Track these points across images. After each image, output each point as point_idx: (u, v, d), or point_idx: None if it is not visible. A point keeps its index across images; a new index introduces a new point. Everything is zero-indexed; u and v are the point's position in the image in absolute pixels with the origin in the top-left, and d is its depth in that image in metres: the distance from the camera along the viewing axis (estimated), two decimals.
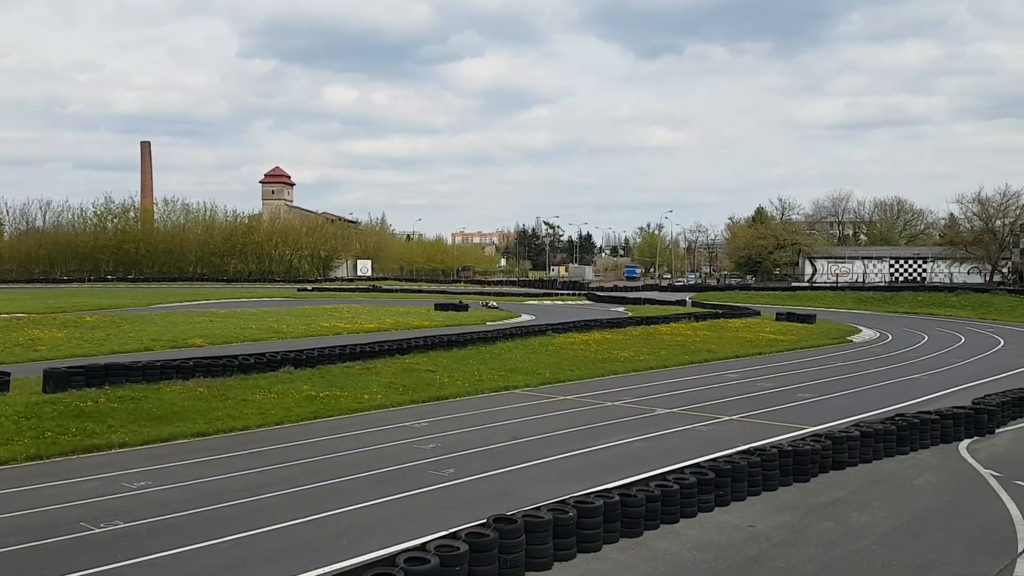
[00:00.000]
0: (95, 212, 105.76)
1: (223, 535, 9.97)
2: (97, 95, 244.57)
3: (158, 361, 21.16)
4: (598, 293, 72.93)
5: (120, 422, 16.06)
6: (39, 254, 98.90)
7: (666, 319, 41.00)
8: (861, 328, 43.18)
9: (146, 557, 9.19)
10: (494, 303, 55.90)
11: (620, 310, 54.18)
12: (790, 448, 12.83)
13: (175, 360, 21.30)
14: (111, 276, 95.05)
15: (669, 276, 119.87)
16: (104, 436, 15.01)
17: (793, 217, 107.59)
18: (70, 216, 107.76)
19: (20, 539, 9.63)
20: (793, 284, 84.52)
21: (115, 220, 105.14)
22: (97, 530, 10.09)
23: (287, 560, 9.19)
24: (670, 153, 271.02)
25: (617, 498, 10.02)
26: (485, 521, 9.03)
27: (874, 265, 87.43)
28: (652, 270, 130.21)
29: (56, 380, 18.50)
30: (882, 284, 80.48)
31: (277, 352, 23.58)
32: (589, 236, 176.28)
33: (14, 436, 14.59)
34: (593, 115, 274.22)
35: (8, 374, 18.74)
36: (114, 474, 12.76)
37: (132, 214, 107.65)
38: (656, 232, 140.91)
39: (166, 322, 37.74)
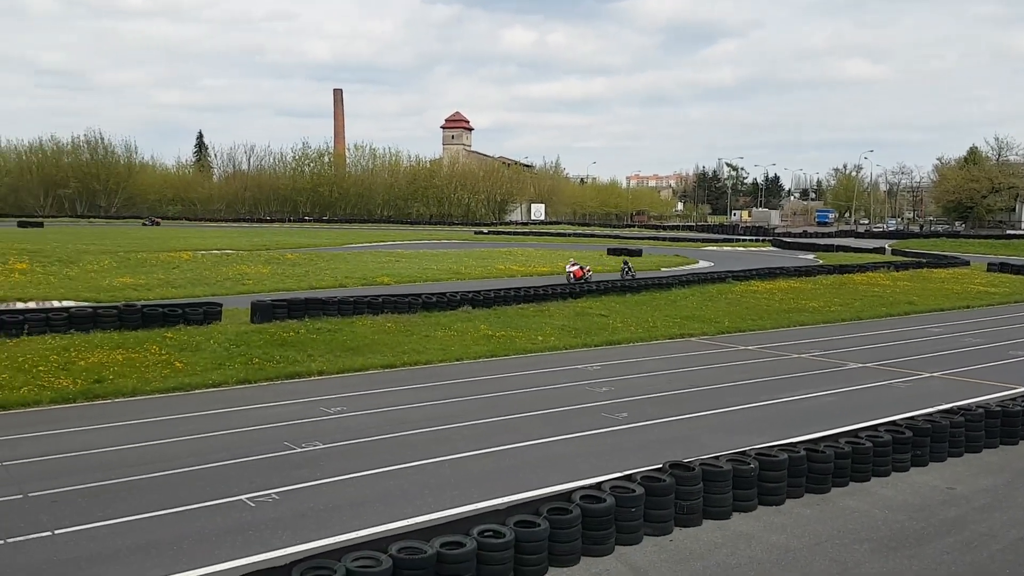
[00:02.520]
0: (294, 157, 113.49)
1: (408, 461, 10.51)
2: (292, 44, 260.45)
3: (351, 297, 22.49)
4: (785, 239, 69.08)
5: (318, 352, 17.27)
6: (244, 196, 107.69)
7: (862, 268, 38.33)
8: None
9: (341, 477, 9.87)
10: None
11: (809, 258, 51.30)
12: (998, 408, 11.73)
13: (366, 296, 22.56)
14: (308, 217, 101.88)
15: (866, 222, 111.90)
16: (304, 364, 16.22)
17: (1011, 158, 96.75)
18: (271, 160, 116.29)
19: (230, 455, 10.63)
20: (1008, 232, 76.58)
21: (311, 164, 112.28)
22: (298, 450, 10.95)
23: (466, 488, 9.54)
24: (868, 88, 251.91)
25: (803, 452, 9.56)
26: (661, 466, 8.92)
27: None
28: (847, 215, 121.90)
29: (262, 311, 20.15)
30: None
31: (456, 292, 24.37)
32: (776, 178, 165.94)
33: (226, 361, 16.10)
34: (783, 48, 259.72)
35: (220, 305, 20.60)
36: (313, 399, 13.77)
37: (326, 159, 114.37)
38: (853, 174, 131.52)
39: (357, 261, 40.03)
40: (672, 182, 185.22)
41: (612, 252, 49.16)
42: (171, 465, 10.13)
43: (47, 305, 21.82)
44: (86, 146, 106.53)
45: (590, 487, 8.33)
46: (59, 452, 10.61)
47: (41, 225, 71.24)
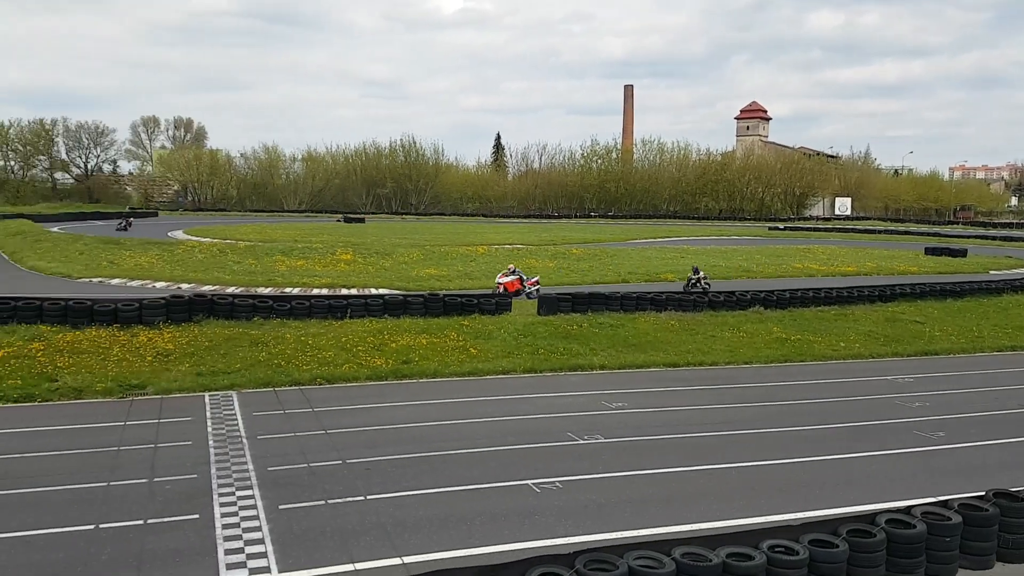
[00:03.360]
0: (582, 154, 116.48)
1: (692, 464, 10.22)
2: (587, 44, 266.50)
3: (633, 293, 22.43)
4: None
5: (600, 346, 17.49)
6: (535, 193, 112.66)
7: None
8: None
9: (622, 473, 9.84)
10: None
11: None
12: None
13: (649, 293, 22.38)
14: (593, 212, 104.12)
15: None
16: (586, 357, 16.51)
17: None
18: (561, 158, 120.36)
19: (517, 440, 11.08)
20: None
21: (599, 161, 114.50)
22: (580, 441, 11.12)
23: (755, 499, 9.03)
24: None
25: None
26: (983, 494, 7.96)
27: None
28: None
29: (548, 304, 20.84)
30: None
31: (747, 291, 23.31)
32: None
33: (514, 350, 16.88)
34: None
35: (510, 297, 21.64)
36: (595, 393, 13.94)
37: (614, 155, 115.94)
38: None
39: (641, 257, 40.04)
40: (1005, 174, 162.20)
41: (930, 252, 44.06)
42: (466, 444, 10.79)
43: (366, 292, 24.47)
44: (401, 150, 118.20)
45: (898, 511, 7.54)
46: (374, 424, 11.78)
47: (363, 220, 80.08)
